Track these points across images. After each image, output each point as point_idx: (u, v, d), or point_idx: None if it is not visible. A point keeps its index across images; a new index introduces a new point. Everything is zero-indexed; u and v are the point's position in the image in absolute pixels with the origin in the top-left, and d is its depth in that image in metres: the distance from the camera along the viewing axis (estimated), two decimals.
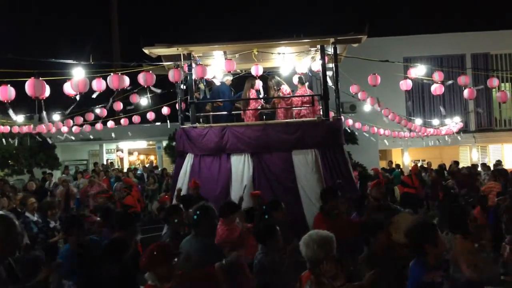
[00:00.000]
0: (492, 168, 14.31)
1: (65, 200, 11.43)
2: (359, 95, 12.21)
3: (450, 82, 10.65)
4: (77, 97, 8.04)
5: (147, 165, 21.85)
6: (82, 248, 4.58)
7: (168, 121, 13.24)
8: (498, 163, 16.01)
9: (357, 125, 16.21)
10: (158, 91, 9.35)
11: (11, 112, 7.82)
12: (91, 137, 14.42)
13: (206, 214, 4.31)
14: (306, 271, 3.38)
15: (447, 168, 16.21)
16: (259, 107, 9.64)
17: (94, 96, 8.27)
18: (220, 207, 5.28)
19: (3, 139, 15.06)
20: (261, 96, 10.46)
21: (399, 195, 13.69)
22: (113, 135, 16.23)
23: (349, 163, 8.89)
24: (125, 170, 20.19)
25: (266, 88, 10.32)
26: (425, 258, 3.43)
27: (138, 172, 18.22)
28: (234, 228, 5.24)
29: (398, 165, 18.76)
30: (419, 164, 17.43)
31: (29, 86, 7.13)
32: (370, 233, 4.23)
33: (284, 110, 9.59)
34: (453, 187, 12.77)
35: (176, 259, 3.22)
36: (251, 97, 9.52)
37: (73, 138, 15.08)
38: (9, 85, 7.74)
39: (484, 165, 15.78)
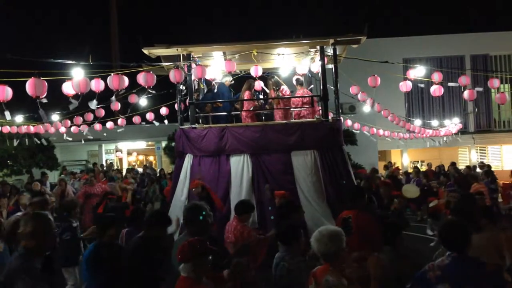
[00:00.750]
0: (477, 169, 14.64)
1: (60, 200, 11.38)
2: (359, 96, 12.21)
3: (453, 84, 10.64)
4: (73, 101, 7.99)
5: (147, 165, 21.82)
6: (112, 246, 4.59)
7: (166, 121, 13.22)
8: (482, 164, 16.02)
9: (357, 126, 16.22)
10: (153, 92, 9.35)
11: (7, 113, 7.81)
12: (90, 137, 14.35)
13: (198, 213, 4.35)
14: (318, 267, 3.47)
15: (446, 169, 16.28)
16: (251, 108, 9.62)
17: (93, 106, 8.25)
18: (235, 205, 5.63)
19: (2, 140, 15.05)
20: (261, 96, 10.46)
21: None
22: (119, 131, 16.16)
23: (349, 164, 8.88)
24: (124, 171, 20.21)
25: (266, 88, 10.33)
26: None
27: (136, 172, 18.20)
28: (248, 229, 5.42)
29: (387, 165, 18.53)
30: (417, 164, 17.48)
31: (29, 85, 7.12)
32: (394, 233, 4.33)
33: (282, 111, 9.57)
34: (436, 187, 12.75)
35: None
36: (246, 98, 9.52)
37: (69, 139, 15.02)
38: (6, 85, 7.73)
39: (482, 165, 15.82)
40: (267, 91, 10.30)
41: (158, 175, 16.62)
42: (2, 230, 5.26)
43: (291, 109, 9.70)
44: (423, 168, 18.97)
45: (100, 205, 9.29)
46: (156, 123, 13.58)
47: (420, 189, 11.18)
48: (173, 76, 8.31)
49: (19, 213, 6.43)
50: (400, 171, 18.44)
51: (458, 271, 3.28)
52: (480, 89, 11.42)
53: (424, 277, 3.37)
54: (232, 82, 10.19)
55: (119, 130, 15.53)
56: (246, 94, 9.54)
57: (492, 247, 4.31)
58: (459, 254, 3.34)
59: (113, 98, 9.65)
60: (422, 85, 10.55)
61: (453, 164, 16.47)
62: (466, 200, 6.10)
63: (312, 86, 10.74)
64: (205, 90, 9.72)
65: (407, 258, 4.20)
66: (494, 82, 10.56)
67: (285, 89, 10.00)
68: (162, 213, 4.91)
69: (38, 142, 15.83)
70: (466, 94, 10.35)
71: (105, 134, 16.05)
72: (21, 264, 3.09)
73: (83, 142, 17.27)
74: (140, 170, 20.20)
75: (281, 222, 5.29)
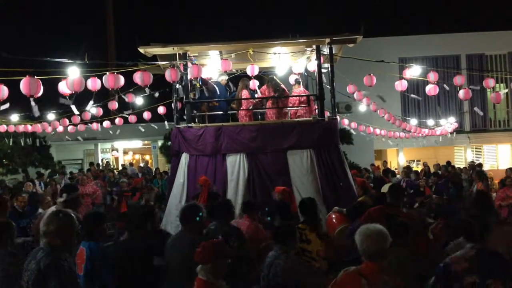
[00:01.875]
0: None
1: (53, 200, 11.34)
2: (355, 95, 12.24)
3: (446, 87, 10.72)
4: (64, 101, 7.98)
5: (141, 165, 21.75)
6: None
7: (166, 122, 13.21)
8: (472, 163, 16.07)
9: (353, 125, 16.25)
10: (152, 92, 9.35)
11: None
12: (80, 138, 14.38)
13: (195, 212, 4.40)
14: (358, 267, 3.34)
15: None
16: (251, 107, 9.62)
17: (89, 108, 8.25)
18: (244, 203, 5.76)
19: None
20: (256, 95, 10.46)
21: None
22: (117, 132, 16.19)
23: (345, 163, 8.89)
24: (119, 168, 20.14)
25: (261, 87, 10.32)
26: None
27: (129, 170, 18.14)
28: (259, 227, 5.49)
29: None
30: (413, 164, 17.50)
31: (24, 84, 7.10)
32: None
33: (276, 111, 9.56)
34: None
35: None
36: (243, 97, 9.51)
37: (69, 138, 15.00)
38: (2, 84, 7.70)
39: (480, 165, 15.88)
40: (258, 90, 10.29)
41: (153, 174, 16.63)
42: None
43: (288, 109, 9.71)
44: (418, 168, 19.06)
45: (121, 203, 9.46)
46: (154, 125, 13.58)
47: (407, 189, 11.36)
48: (169, 75, 8.30)
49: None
50: (397, 170, 18.54)
51: (484, 262, 3.36)
52: (477, 87, 11.49)
53: (449, 270, 3.39)
54: (227, 80, 10.17)
55: (117, 132, 15.57)
56: (244, 93, 9.53)
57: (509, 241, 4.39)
58: (483, 246, 3.42)
59: (91, 103, 9.50)
60: (415, 96, 10.62)
61: (449, 163, 16.53)
62: (484, 196, 6.14)
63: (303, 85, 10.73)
64: (200, 89, 9.72)
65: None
66: (489, 82, 10.61)
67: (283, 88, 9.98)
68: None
69: (30, 142, 15.71)
70: (461, 93, 10.39)
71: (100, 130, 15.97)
72: (53, 261, 3.15)
73: (80, 139, 17.22)
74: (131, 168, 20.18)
75: (277, 221, 5.32)
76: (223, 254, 3.34)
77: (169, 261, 4.29)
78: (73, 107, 8.33)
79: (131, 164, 24.41)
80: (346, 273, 3.35)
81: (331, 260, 4.77)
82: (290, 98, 9.67)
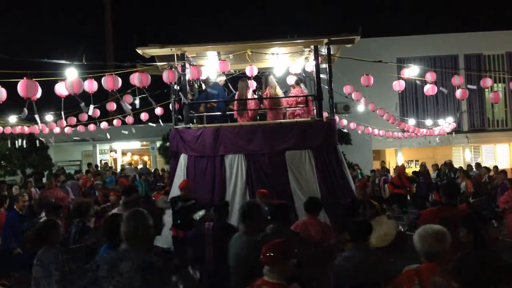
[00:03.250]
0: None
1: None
2: (353, 96, 12.24)
3: (445, 91, 10.74)
4: (84, 107, 7.97)
5: (139, 167, 21.72)
6: None
7: (171, 121, 13.15)
8: (470, 168, 16.15)
9: (351, 125, 16.26)
10: (145, 95, 9.37)
11: (91, 108, 7.80)
12: (76, 138, 14.40)
13: (259, 211, 4.31)
14: (415, 266, 3.32)
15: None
16: (258, 108, 9.58)
17: (90, 112, 8.25)
18: (308, 203, 5.54)
19: None
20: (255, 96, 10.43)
21: (389, 194, 13.87)
22: (124, 131, 16.27)
23: (343, 164, 8.88)
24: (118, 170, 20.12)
25: (260, 88, 10.29)
26: None
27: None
28: (327, 225, 5.56)
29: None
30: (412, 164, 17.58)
31: (21, 86, 7.07)
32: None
33: (275, 111, 9.52)
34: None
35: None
36: (251, 97, 9.45)
37: (68, 140, 15.00)
38: (0, 86, 7.68)
39: (478, 165, 15.90)
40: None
41: (153, 175, 16.62)
42: None
43: (286, 109, 9.69)
44: (416, 168, 19.15)
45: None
46: (152, 124, 13.57)
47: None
48: (166, 76, 8.29)
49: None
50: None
51: None
52: (474, 87, 11.50)
53: None
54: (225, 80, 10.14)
55: (124, 132, 15.57)
56: (250, 94, 9.48)
57: None
58: None
59: (91, 107, 9.50)
60: (419, 81, 10.60)
61: (446, 164, 16.56)
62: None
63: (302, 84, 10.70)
64: (198, 90, 9.70)
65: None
66: (487, 81, 10.63)
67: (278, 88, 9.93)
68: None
69: (21, 144, 15.57)
70: (458, 93, 10.39)
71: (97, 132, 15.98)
72: (150, 260, 3.16)
73: (74, 139, 17.17)
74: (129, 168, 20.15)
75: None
76: (289, 255, 3.31)
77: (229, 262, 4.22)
78: (90, 108, 8.32)
79: (130, 164, 24.40)
80: (406, 271, 3.34)
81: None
82: (287, 98, 9.65)
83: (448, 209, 5.12)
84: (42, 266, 4.27)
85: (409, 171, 19.41)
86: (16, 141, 13.97)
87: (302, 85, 9.98)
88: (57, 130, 13.64)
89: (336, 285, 3.96)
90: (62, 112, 9.51)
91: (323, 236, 5.24)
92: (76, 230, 5.71)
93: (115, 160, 26.17)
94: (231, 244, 4.30)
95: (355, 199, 7.19)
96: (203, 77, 9.77)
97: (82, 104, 8.03)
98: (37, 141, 16.26)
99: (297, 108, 9.52)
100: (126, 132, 15.78)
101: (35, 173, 16.39)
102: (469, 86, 10.66)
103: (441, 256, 3.27)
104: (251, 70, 8.97)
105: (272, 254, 3.26)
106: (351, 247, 4.08)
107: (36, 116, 8.20)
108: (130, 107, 10.07)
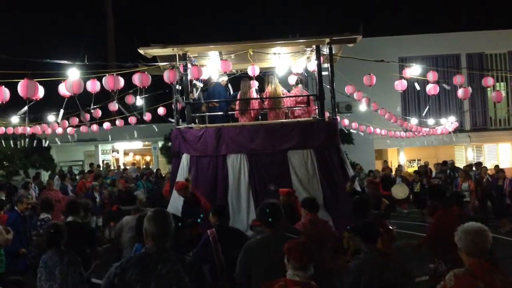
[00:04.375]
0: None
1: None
2: (355, 95, 12.22)
3: (447, 87, 10.68)
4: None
5: (142, 167, 21.68)
6: None
7: (172, 119, 13.15)
8: (469, 167, 16.16)
9: (353, 125, 16.24)
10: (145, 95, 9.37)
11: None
12: (74, 139, 14.38)
13: (280, 213, 4.11)
14: (462, 270, 3.18)
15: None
16: (261, 108, 9.58)
17: (89, 115, 8.26)
18: (308, 203, 5.61)
19: None
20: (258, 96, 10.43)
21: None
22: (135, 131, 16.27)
23: (346, 163, 8.86)
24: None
25: (262, 87, 10.28)
26: None
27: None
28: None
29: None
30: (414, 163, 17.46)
31: (21, 87, 7.06)
32: None
33: (275, 110, 9.51)
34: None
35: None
36: (253, 97, 9.43)
37: (71, 140, 15.01)
38: (3, 86, 7.68)
39: (478, 164, 15.85)
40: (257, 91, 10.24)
41: (155, 175, 16.57)
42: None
43: (288, 109, 9.68)
44: (415, 167, 19.14)
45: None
46: (154, 126, 13.58)
47: None
48: (167, 76, 8.29)
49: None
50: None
51: None
52: (475, 86, 11.48)
53: None
54: (227, 80, 10.13)
55: (135, 131, 15.54)
56: (254, 93, 9.45)
57: None
58: None
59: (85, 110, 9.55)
60: (418, 88, 10.59)
61: (444, 163, 16.50)
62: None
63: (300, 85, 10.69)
64: (200, 90, 9.68)
65: None
66: (488, 81, 10.60)
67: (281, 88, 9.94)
68: None
69: (24, 144, 15.56)
70: (460, 92, 10.37)
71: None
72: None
73: (75, 140, 17.20)
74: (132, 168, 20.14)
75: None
76: (311, 254, 3.31)
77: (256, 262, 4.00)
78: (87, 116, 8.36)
79: (133, 164, 24.43)
80: (457, 277, 3.15)
81: None
82: (289, 98, 9.64)
83: (458, 209, 5.31)
84: (46, 268, 4.30)
85: (410, 170, 19.43)
86: (19, 142, 14.00)
87: (300, 86, 9.98)
88: (59, 130, 13.65)
89: (352, 286, 3.90)
90: (62, 112, 9.47)
91: (327, 235, 5.27)
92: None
93: (117, 160, 26.21)
94: (259, 245, 4.01)
95: (363, 196, 7.19)
96: (205, 77, 9.77)
97: (82, 112, 8.03)
98: (42, 141, 16.22)
99: (296, 108, 9.51)
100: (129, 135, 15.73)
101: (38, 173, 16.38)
102: (471, 86, 10.63)
103: (486, 252, 3.20)
104: (253, 70, 8.97)
105: (294, 252, 3.27)
106: (365, 249, 4.03)
107: (27, 116, 8.13)
108: (134, 100, 10.09)
